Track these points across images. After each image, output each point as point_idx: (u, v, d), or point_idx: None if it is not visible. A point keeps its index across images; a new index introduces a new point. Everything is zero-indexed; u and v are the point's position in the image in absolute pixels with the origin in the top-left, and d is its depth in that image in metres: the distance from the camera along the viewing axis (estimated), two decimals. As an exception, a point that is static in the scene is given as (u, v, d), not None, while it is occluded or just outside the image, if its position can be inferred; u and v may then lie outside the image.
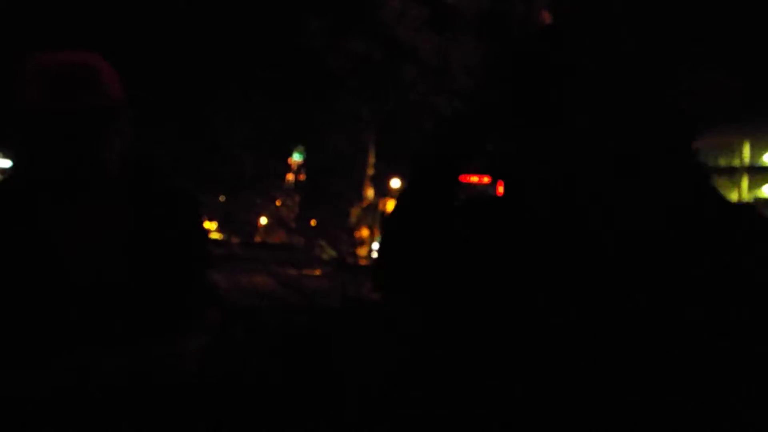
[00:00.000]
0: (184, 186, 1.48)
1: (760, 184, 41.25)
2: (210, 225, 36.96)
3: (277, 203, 39.51)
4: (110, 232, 1.37)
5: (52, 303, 1.30)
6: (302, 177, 40.99)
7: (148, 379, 1.28)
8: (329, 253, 28.01)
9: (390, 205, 29.88)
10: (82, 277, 1.32)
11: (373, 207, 28.54)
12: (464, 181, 1.27)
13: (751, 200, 40.13)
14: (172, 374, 1.31)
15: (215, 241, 31.35)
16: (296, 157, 41.94)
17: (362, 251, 27.63)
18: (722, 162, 41.71)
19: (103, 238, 1.36)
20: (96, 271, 1.33)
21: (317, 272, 20.98)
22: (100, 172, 1.34)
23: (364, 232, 28.36)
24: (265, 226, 39.97)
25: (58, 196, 1.36)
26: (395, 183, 31.35)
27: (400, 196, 1.21)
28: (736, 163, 41.70)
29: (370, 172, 27.15)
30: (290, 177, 41.69)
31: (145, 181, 1.44)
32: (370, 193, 27.95)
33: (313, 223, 31.58)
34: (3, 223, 1.34)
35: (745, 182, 41.40)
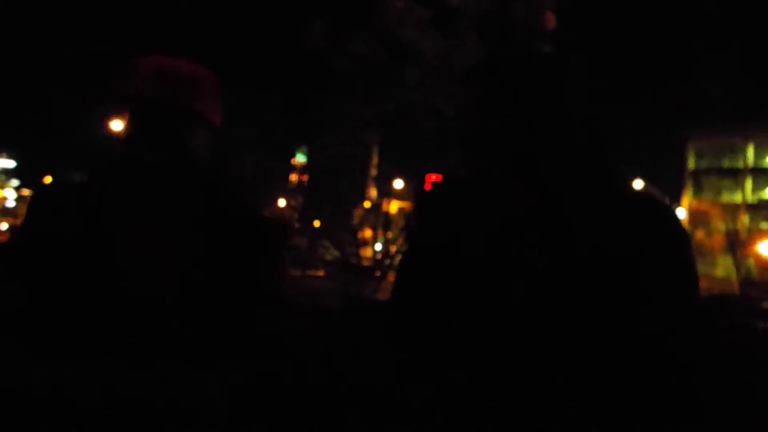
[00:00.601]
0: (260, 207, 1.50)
1: (763, 186, 41.15)
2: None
3: (280, 204, 39.47)
4: (175, 239, 1.37)
5: (99, 301, 1.30)
6: (305, 178, 40.92)
7: (171, 404, 1.28)
8: (332, 253, 27.98)
9: (393, 206, 29.89)
10: (136, 281, 1.32)
11: (376, 207, 28.51)
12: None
13: (755, 202, 40.06)
14: (199, 403, 1.30)
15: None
16: (299, 158, 41.93)
17: (365, 252, 27.60)
18: (726, 164, 41.66)
19: (167, 244, 1.36)
20: (152, 278, 1.33)
21: (320, 273, 20.96)
22: (177, 173, 1.36)
23: (367, 233, 28.33)
24: (268, 226, 39.82)
25: (134, 193, 1.37)
26: (398, 183, 31.35)
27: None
28: (739, 164, 41.62)
29: (373, 172, 27.13)
30: (293, 177, 41.65)
31: (222, 195, 1.45)
32: (373, 193, 27.93)
33: (316, 223, 31.56)
34: (71, 215, 1.36)
35: (748, 184, 41.28)
